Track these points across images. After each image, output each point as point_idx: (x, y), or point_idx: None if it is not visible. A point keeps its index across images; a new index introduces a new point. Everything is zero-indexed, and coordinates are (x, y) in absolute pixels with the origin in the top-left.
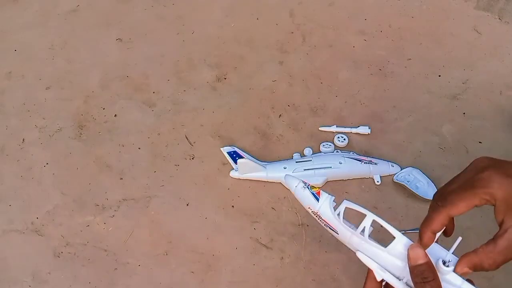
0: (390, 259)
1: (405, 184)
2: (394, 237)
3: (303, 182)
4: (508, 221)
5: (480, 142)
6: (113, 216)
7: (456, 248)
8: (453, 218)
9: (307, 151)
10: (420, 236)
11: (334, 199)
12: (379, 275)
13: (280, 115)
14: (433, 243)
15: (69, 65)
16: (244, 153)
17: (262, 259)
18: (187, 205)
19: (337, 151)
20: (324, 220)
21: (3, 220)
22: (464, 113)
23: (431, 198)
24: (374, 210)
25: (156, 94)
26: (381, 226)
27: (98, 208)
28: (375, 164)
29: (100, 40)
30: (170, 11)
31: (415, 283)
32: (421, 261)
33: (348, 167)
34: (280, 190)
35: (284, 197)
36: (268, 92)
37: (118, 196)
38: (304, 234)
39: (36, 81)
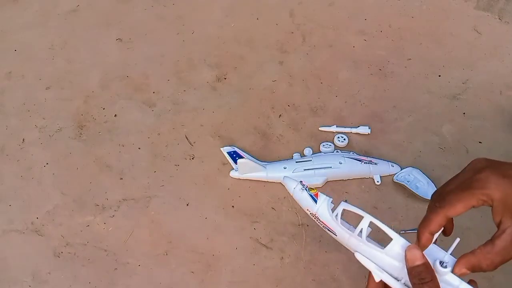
0: (388, 260)
1: (405, 184)
2: (392, 239)
3: (301, 183)
4: (506, 222)
5: (480, 142)
6: (113, 216)
7: (455, 249)
8: (452, 218)
9: (307, 151)
10: (418, 237)
11: (332, 200)
12: (377, 275)
13: (280, 115)
14: (432, 244)
15: (69, 65)
16: (244, 153)
17: (262, 259)
18: (187, 205)
19: (337, 151)
20: (322, 222)
21: (3, 220)
22: (464, 113)
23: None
24: (374, 210)
25: (156, 94)
26: (377, 228)
27: (98, 208)
28: (375, 164)
29: (100, 40)
30: (170, 11)
31: (413, 284)
32: (419, 262)
33: (348, 167)
34: (280, 190)
35: (284, 197)
36: (268, 92)
37: (118, 196)
38: (304, 234)
39: (36, 81)
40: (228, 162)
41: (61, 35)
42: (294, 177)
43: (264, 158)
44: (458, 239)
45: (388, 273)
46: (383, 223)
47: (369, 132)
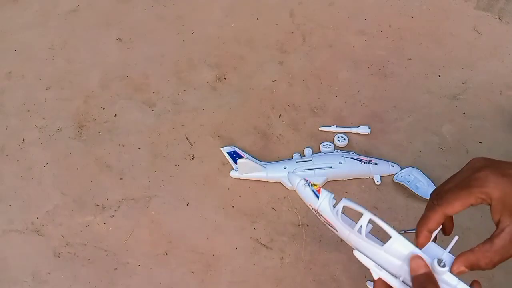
0: (387, 258)
1: (405, 184)
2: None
3: (304, 179)
4: (505, 221)
5: (480, 142)
6: (113, 216)
7: (454, 248)
8: (451, 217)
9: (307, 151)
10: (416, 235)
11: (334, 196)
12: (376, 273)
13: (280, 115)
14: (430, 242)
15: (69, 65)
16: (244, 153)
17: (262, 259)
18: (187, 205)
19: (337, 151)
20: (323, 218)
21: (3, 220)
22: (464, 113)
23: None
24: (374, 210)
25: (156, 94)
26: (378, 225)
27: (98, 208)
28: (375, 164)
29: (100, 40)
30: (170, 11)
31: None
32: (422, 271)
33: (348, 167)
34: (280, 190)
35: (284, 197)
36: (268, 92)
37: (118, 196)
38: (304, 234)
39: (36, 81)
40: (228, 162)
41: (61, 35)
42: None
43: (264, 158)
44: (456, 237)
45: (387, 271)
46: (382, 220)
47: (369, 132)
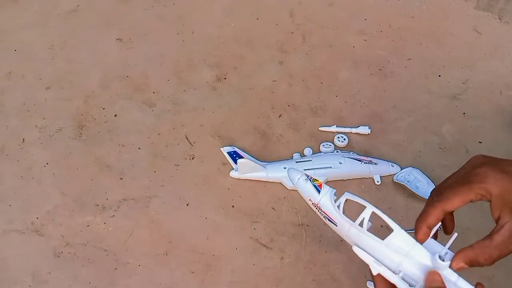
0: (387, 252)
1: (405, 184)
2: (393, 230)
3: (305, 175)
4: (504, 217)
5: (480, 142)
6: (113, 216)
7: (453, 247)
8: (452, 215)
9: (307, 151)
10: (415, 230)
11: (335, 192)
12: (375, 269)
13: (280, 115)
14: (430, 238)
15: (69, 65)
16: (244, 153)
17: (262, 259)
18: (187, 205)
19: (337, 151)
20: (324, 212)
21: (3, 220)
22: (464, 113)
23: None
24: None
25: (156, 94)
26: (381, 218)
27: (98, 208)
28: (375, 164)
29: (100, 40)
30: (170, 11)
31: None
32: (436, 285)
33: (348, 167)
34: (280, 190)
35: (284, 197)
36: (268, 92)
37: (118, 196)
38: (304, 234)
39: (36, 81)
40: (228, 162)
41: (61, 35)
42: None
43: (264, 158)
44: (456, 234)
45: (387, 266)
46: (385, 214)
47: (369, 132)
